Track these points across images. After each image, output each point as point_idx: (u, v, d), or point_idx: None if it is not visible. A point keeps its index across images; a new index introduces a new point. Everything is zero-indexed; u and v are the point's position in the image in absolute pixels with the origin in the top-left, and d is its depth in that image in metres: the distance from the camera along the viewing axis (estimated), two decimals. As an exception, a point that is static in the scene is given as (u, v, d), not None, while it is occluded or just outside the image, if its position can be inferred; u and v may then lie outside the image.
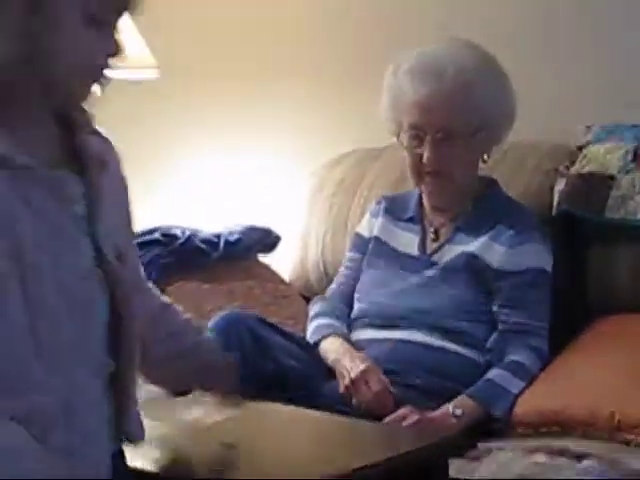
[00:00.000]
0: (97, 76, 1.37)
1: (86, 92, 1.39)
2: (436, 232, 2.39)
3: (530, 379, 2.18)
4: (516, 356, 2.18)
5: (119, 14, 1.38)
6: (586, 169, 2.49)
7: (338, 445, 1.77)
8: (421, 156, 2.28)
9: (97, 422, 1.45)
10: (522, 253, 2.26)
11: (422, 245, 2.39)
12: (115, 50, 1.37)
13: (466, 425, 2.00)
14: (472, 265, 2.29)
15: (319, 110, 3.00)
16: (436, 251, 2.37)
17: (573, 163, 2.51)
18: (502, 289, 2.24)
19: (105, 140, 1.49)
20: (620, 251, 2.45)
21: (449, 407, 2.09)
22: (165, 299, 1.79)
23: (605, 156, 2.46)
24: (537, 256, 2.29)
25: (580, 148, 2.52)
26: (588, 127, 2.54)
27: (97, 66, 1.37)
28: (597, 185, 2.47)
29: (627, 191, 2.41)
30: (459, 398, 2.13)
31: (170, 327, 1.71)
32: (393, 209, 2.45)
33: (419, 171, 2.31)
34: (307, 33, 3.05)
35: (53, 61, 1.32)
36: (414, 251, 2.39)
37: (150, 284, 1.75)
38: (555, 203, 2.52)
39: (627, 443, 2.04)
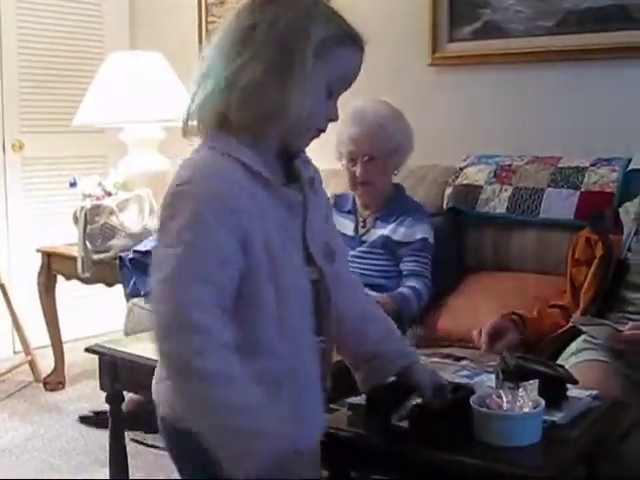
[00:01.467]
0: (318, 134, 1.61)
1: (309, 142, 1.61)
2: (364, 221, 3.13)
3: (420, 298, 2.88)
4: (413, 284, 2.91)
5: (346, 89, 1.62)
6: (464, 182, 3.30)
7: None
8: (355, 172, 3.03)
9: (314, 393, 1.64)
10: (415, 231, 2.99)
11: (355, 229, 3.12)
12: (335, 116, 1.61)
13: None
14: (386, 243, 3.01)
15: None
16: (364, 234, 3.10)
17: (457, 178, 3.34)
18: (404, 252, 2.98)
19: (308, 161, 1.68)
20: (485, 232, 3.25)
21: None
22: (373, 300, 1.96)
23: (477, 174, 3.29)
24: (423, 232, 3.00)
25: (461, 169, 3.37)
26: (467, 157, 3.42)
27: (323, 127, 1.60)
28: (471, 191, 3.25)
29: (490, 195, 3.21)
30: (384, 295, 2.83)
31: (377, 328, 1.80)
32: (338, 204, 3.15)
33: (354, 182, 3.06)
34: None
35: (300, 120, 1.52)
36: (350, 233, 3.10)
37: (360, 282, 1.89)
38: (445, 202, 3.34)
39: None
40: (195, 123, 1.60)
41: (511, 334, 2.47)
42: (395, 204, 3.13)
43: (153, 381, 1.66)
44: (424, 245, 3.01)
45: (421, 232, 3.02)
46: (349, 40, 1.60)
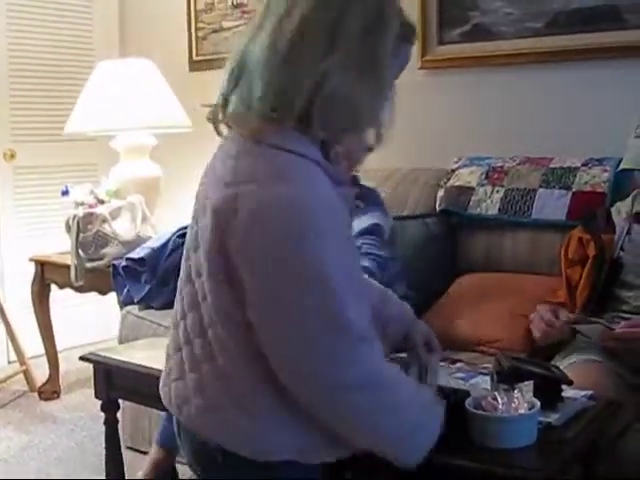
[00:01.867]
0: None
1: None
2: None
3: (372, 274, 2.67)
4: (364, 264, 2.72)
5: None
6: (456, 183, 3.31)
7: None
8: None
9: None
10: (369, 217, 2.88)
11: None
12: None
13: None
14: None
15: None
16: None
17: (448, 179, 3.35)
18: (360, 238, 2.81)
19: None
20: (477, 234, 3.25)
21: None
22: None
23: (469, 175, 3.30)
24: (375, 217, 2.88)
25: (453, 170, 3.38)
26: (459, 159, 3.44)
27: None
28: (463, 193, 3.26)
29: (482, 197, 3.22)
30: None
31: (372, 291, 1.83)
32: None
33: None
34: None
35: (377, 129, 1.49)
36: None
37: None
38: (437, 204, 3.34)
39: (482, 353, 2.74)
40: (238, 112, 1.45)
41: (564, 312, 2.46)
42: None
43: (190, 412, 1.57)
44: (374, 229, 2.92)
45: (374, 218, 2.93)
46: (411, 34, 1.53)
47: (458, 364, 2.46)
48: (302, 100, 1.38)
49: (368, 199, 3.00)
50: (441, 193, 3.38)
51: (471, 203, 3.26)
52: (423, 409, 1.55)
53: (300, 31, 1.39)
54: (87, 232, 3.78)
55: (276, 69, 1.39)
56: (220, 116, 1.50)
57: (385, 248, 2.86)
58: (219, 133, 1.54)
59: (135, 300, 3.34)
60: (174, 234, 3.37)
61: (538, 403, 1.75)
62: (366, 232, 2.91)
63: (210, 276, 1.45)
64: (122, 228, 3.80)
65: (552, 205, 3.06)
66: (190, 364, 1.55)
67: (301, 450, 1.52)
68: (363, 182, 3.02)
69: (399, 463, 1.51)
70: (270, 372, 1.44)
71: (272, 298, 1.38)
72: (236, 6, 4.51)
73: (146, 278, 3.32)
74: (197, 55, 4.68)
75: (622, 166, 2.53)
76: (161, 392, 1.66)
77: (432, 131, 3.83)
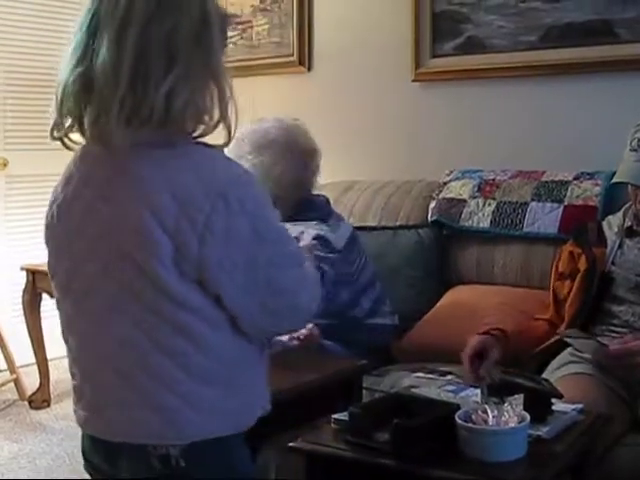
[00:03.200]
0: None
1: None
2: None
3: None
4: None
5: None
6: (448, 195, 3.31)
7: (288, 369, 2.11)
8: None
9: None
10: (307, 234, 2.70)
11: None
12: None
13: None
14: None
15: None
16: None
17: (441, 192, 3.36)
18: None
19: None
20: (469, 246, 3.26)
21: None
22: None
23: (461, 188, 3.31)
24: (317, 230, 2.78)
25: (445, 183, 3.39)
26: (451, 171, 3.45)
27: None
28: (455, 205, 3.26)
29: (473, 209, 3.22)
30: None
31: None
32: None
33: None
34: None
35: None
36: None
37: None
38: (429, 215, 3.33)
39: None
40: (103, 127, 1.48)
41: (494, 352, 2.41)
42: (299, 215, 2.90)
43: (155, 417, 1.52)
44: (320, 239, 2.80)
45: (314, 231, 2.82)
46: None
47: (448, 376, 2.57)
48: (158, 112, 1.44)
49: (306, 209, 2.93)
50: (433, 204, 3.38)
51: (463, 215, 3.27)
52: None
53: (141, 48, 1.43)
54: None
55: (126, 88, 1.43)
56: (71, 132, 1.53)
57: (328, 260, 2.77)
58: (69, 148, 1.57)
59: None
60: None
61: (528, 416, 1.75)
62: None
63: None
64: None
65: (544, 218, 3.07)
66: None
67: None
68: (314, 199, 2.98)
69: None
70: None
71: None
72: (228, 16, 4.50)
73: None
74: (190, 65, 4.65)
75: (615, 179, 2.53)
76: None
77: (425, 143, 3.85)
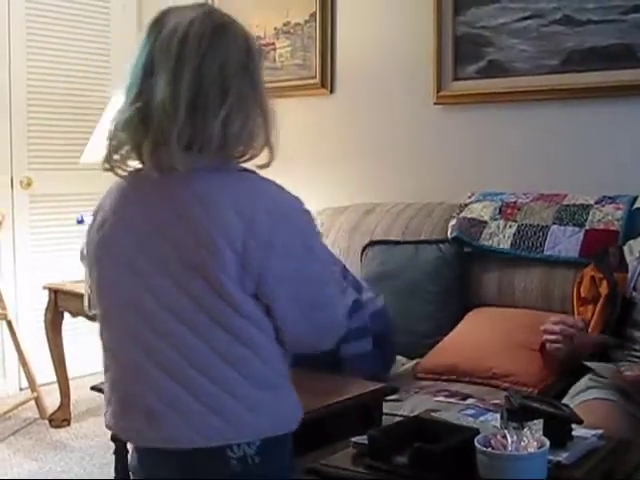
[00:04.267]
0: None
1: None
2: None
3: None
4: None
5: None
6: (469, 215, 3.32)
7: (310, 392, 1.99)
8: None
9: None
10: None
11: None
12: None
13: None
14: None
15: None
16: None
17: (461, 212, 3.36)
18: None
19: None
20: (489, 267, 3.26)
21: None
22: None
23: (482, 209, 3.31)
24: None
25: (466, 205, 3.39)
26: (472, 194, 3.46)
27: None
28: (476, 225, 3.27)
29: (494, 230, 3.23)
30: None
31: None
32: None
33: None
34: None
35: None
36: None
37: None
38: (449, 232, 3.34)
39: (497, 387, 2.71)
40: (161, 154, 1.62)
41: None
42: None
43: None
44: None
45: None
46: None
47: (469, 400, 2.58)
48: (216, 139, 1.60)
49: None
50: (453, 222, 3.39)
51: (483, 235, 3.27)
52: None
53: (196, 84, 1.59)
54: (101, 261, 3.78)
55: (184, 120, 1.59)
56: (125, 161, 1.68)
57: None
58: (119, 175, 1.71)
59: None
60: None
61: (548, 442, 1.74)
62: None
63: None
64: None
65: (565, 242, 3.07)
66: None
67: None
68: None
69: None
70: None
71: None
72: (253, 39, 4.54)
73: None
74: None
75: (637, 204, 2.52)
76: None
77: (446, 166, 3.86)
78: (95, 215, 1.76)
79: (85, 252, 1.77)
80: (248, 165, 1.69)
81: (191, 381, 1.60)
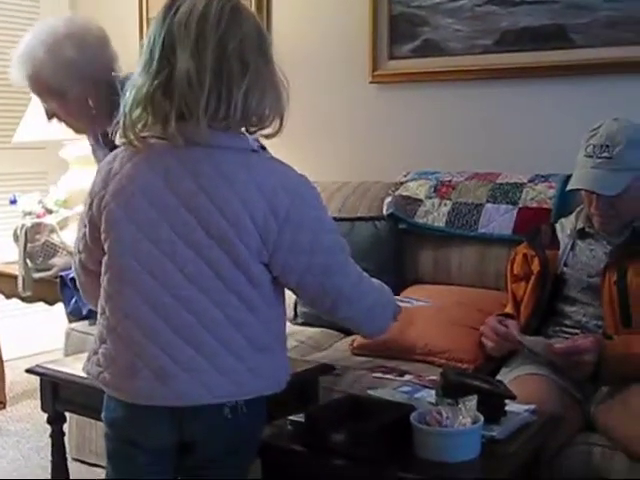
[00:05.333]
0: None
1: None
2: None
3: None
4: None
5: None
6: (405, 193, 3.35)
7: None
8: None
9: None
10: None
11: None
12: None
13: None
14: None
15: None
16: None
17: (397, 189, 3.39)
18: None
19: None
20: (424, 245, 3.29)
21: None
22: None
23: (417, 188, 3.35)
24: None
25: (401, 183, 3.42)
26: (407, 172, 3.48)
27: None
28: (411, 203, 3.30)
29: (429, 208, 3.26)
30: None
31: None
32: None
33: None
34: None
35: None
36: None
37: None
38: (385, 209, 3.35)
39: (433, 363, 2.74)
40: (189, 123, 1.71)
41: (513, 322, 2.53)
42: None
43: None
44: None
45: None
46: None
47: (406, 376, 2.61)
48: (238, 109, 1.72)
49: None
50: (389, 200, 3.40)
51: (418, 213, 3.30)
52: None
53: (219, 58, 1.71)
54: (35, 242, 3.75)
55: (209, 90, 1.70)
56: (141, 133, 1.75)
57: None
58: (136, 147, 1.77)
59: (83, 312, 3.30)
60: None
61: (482, 417, 1.78)
62: None
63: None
64: (71, 239, 3.77)
65: (498, 220, 3.11)
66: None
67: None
68: None
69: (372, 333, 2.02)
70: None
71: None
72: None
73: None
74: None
75: (570, 186, 2.55)
76: None
77: (382, 145, 3.87)
78: (104, 180, 1.80)
79: (90, 214, 1.82)
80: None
81: (204, 344, 1.71)
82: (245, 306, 1.74)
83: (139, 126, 1.75)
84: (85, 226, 1.84)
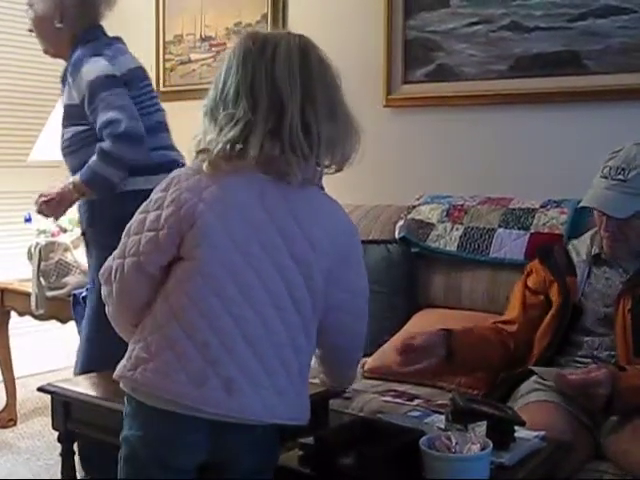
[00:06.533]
0: None
1: None
2: None
3: None
4: None
5: None
6: (417, 217, 3.37)
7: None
8: None
9: None
10: None
11: None
12: None
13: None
14: None
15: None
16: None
17: (409, 213, 3.41)
18: None
19: None
20: (436, 269, 3.31)
21: None
22: None
23: (429, 212, 3.37)
24: None
25: (414, 207, 3.44)
26: (420, 196, 3.50)
27: None
28: (423, 227, 3.33)
29: (441, 232, 3.28)
30: None
31: None
32: None
33: None
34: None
35: None
36: None
37: None
38: (397, 233, 3.38)
39: (443, 388, 2.77)
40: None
41: (438, 349, 2.51)
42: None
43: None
44: None
45: None
46: None
47: (416, 401, 2.62)
48: (337, 158, 1.94)
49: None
50: (401, 223, 3.42)
51: (430, 236, 3.32)
52: None
53: (330, 110, 1.93)
54: (49, 260, 3.78)
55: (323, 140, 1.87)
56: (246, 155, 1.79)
57: None
58: (216, 168, 1.81)
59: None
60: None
61: (491, 443, 1.78)
62: None
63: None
64: (84, 258, 3.79)
65: (510, 245, 3.11)
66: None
67: None
68: None
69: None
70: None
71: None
72: (204, 39, 4.58)
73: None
74: (164, 86, 4.73)
75: (583, 203, 2.55)
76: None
77: (395, 169, 3.88)
78: (191, 190, 1.81)
79: (175, 219, 1.80)
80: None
81: (268, 360, 1.74)
82: (304, 332, 1.80)
83: (232, 152, 1.80)
84: (160, 229, 1.79)
